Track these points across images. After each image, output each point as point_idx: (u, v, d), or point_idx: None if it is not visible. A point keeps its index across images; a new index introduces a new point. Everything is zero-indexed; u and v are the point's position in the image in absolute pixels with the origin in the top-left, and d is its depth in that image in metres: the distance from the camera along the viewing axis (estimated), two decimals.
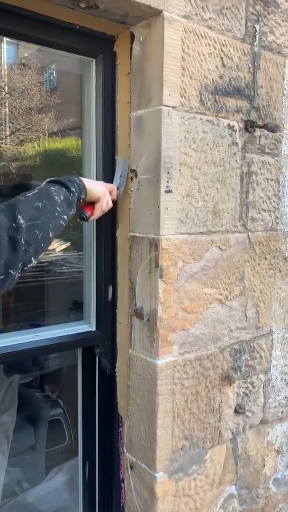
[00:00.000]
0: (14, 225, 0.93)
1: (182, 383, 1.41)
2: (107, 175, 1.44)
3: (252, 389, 1.66)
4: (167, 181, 1.30)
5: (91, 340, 1.49)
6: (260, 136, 1.54)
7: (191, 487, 1.49)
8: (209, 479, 1.55)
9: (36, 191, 1.05)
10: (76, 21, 1.29)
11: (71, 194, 1.12)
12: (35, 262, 0.95)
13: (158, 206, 1.30)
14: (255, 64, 1.49)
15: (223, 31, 1.38)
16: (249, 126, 1.48)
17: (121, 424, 1.53)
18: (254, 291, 1.61)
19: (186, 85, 1.30)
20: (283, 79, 1.59)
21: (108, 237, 1.47)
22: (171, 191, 1.31)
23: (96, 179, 1.45)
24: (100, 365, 1.53)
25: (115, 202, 1.45)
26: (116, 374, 1.52)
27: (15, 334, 1.37)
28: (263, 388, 1.71)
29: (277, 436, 1.81)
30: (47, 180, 1.13)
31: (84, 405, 1.56)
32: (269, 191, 1.61)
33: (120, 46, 1.39)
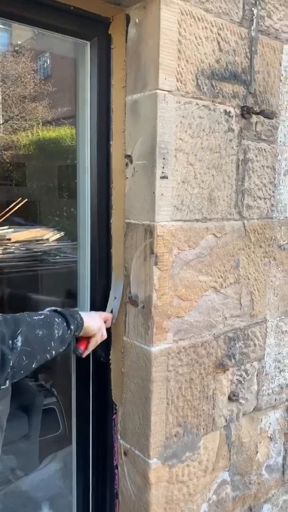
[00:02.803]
0: (10, 342, 0.95)
1: (177, 370, 1.41)
2: (101, 161, 1.42)
3: (246, 376, 1.66)
4: (163, 167, 1.28)
5: None
6: (256, 122, 1.53)
7: (185, 474, 1.50)
8: (202, 465, 1.56)
9: (42, 316, 1.08)
10: (70, 2, 1.26)
11: (69, 332, 1.13)
12: (6, 387, 0.96)
13: (153, 193, 1.29)
14: (252, 49, 1.47)
15: (220, 14, 1.36)
16: (245, 112, 1.47)
17: (115, 411, 1.53)
18: (248, 279, 1.61)
19: (182, 69, 1.28)
20: (280, 64, 1.57)
21: (102, 224, 1.46)
22: (167, 177, 1.30)
23: (90, 168, 1.43)
24: (94, 353, 1.52)
25: (109, 191, 1.44)
26: (110, 361, 1.52)
27: None
28: (257, 375, 1.71)
29: (270, 423, 1.82)
30: (54, 308, 1.16)
31: (78, 392, 1.56)
32: (265, 178, 1.60)
33: (115, 29, 1.37)
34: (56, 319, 1.11)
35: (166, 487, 1.44)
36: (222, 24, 1.37)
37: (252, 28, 1.46)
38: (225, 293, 1.53)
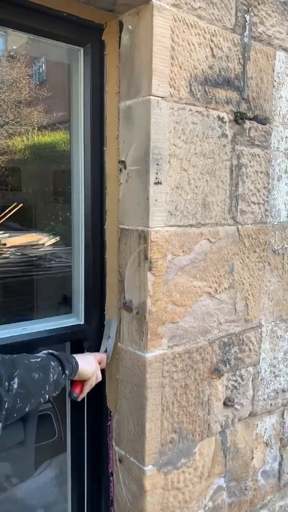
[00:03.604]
0: (7, 384, 0.96)
1: (171, 376, 1.40)
2: (95, 167, 1.42)
3: (241, 382, 1.66)
4: (156, 173, 1.28)
5: (79, 334, 1.47)
6: (250, 128, 1.53)
7: (180, 480, 1.49)
8: (198, 472, 1.55)
9: (39, 359, 1.09)
10: (63, 9, 1.26)
11: (63, 377, 1.14)
12: None
13: (147, 198, 1.28)
14: (245, 55, 1.48)
15: (213, 21, 1.37)
16: (239, 117, 1.47)
17: (110, 417, 1.52)
18: (243, 284, 1.61)
19: (175, 75, 1.29)
20: (273, 70, 1.58)
21: (96, 230, 1.46)
22: (160, 183, 1.30)
23: (84, 173, 1.43)
24: None
25: (102, 194, 1.44)
26: (105, 367, 1.51)
27: (3, 327, 1.35)
28: (252, 381, 1.71)
29: (265, 429, 1.82)
30: (50, 351, 1.16)
31: None
32: (259, 183, 1.61)
33: (108, 35, 1.37)
34: (52, 363, 1.11)
35: (161, 494, 1.43)
36: (215, 30, 1.37)
37: (245, 35, 1.47)
38: (220, 298, 1.53)
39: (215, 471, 1.62)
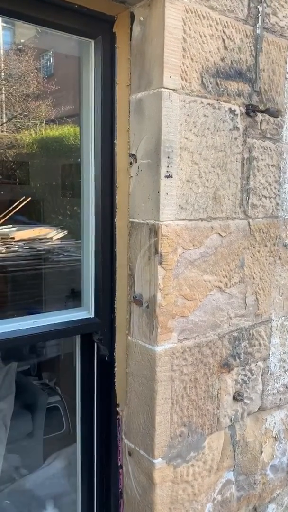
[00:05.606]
0: None
1: (181, 370, 1.40)
2: (105, 160, 1.41)
3: (250, 376, 1.66)
4: (167, 166, 1.27)
5: (89, 327, 1.48)
6: (261, 121, 1.52)
7: (189, 473, 1.49)
8: (207, 465, 1.55)
9: None
10: (74, 0, 1.25)
11: None
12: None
13: (158, 192, 1.28)
14: (257, 46, 1.46)
15: (225, 12, 1.35)
16: (250, 110, 1.46)
17: (120, 411, 1.53)
18: (253, 278, 1.60)
19: (187, 67, 1.28)
20: (286, 62, 1.56)
21: (106, 224, 1.45)
22: (171, 176, 1.29)
23: (94, 166, 1.42)
24: (98, 352, 1.52)
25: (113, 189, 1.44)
26: (114, 361, 1.51)
27: (13, 320, 1.35)
28: (262, 375, 1.71)
29: (275, 423, 1.81)
30: None
31: (83, 392, 1.56)
32: (270, 177, 1.59)
33: (119, 27, 1.36)
34: None
35: (170, 487, 1.44)
36: (227, 22, 1.36)
37: (257, 26, 1.45)
38: (230, 292, 1.52)
39: (224, 465, 1.62)
